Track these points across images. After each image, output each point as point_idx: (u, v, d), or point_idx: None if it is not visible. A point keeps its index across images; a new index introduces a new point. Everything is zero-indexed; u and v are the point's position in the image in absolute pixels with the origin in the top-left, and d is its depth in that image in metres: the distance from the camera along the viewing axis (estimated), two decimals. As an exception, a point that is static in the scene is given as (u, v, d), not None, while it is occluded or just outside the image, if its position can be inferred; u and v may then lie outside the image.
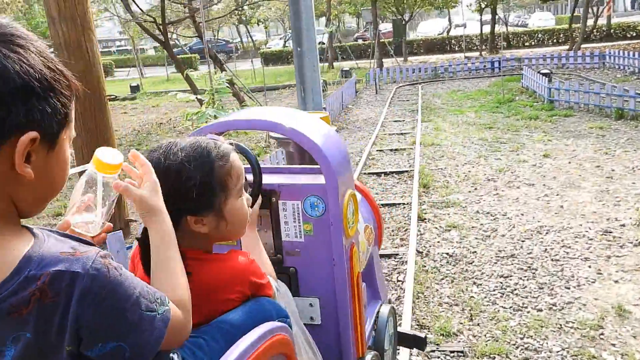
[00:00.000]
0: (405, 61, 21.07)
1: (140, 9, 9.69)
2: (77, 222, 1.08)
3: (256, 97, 11.60)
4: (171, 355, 1.12)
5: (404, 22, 22.34)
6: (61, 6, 3.06)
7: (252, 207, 1.58)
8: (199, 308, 1.29)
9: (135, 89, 17.62)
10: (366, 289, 2.31)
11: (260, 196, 1.73)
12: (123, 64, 29.54)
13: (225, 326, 1.25)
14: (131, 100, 16.08)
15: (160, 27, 9.13)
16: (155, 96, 16.60)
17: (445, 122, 8.90)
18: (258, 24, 30.81)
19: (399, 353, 2.72)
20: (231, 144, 1.39)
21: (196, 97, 5.36)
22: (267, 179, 1.83)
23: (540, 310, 3.14)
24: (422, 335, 2.54)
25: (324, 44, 21.68)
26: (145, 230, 1.19)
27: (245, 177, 1.47)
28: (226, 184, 1.30)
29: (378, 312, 2.28)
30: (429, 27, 36.08)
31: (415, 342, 2.53)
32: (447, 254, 3.95)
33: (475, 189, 5.47)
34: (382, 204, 5.04)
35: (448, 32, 29.82)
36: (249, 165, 1.67)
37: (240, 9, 23.11)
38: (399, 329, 2.56)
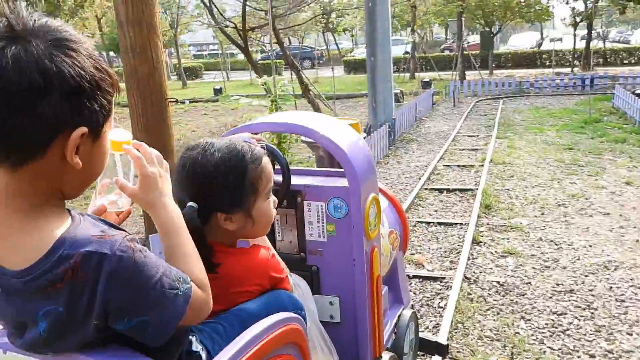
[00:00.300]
0: (491, 74, 20.58)
1: (222, 15, 10.20)
2: (104, 203, 1.25)
3: (331, 105, 11.81)
4: (190, 338, 1.26)
5: (491, 35, 21.86)
6: (129, 11, 3.24)
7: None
8: (220, 297, 1.40)
9: (218, 91, 18.37)
10: (388, 292, 2.38)
11: (286, 199, 1.86)
12: (213, 67, 30.90)
13: (243, 314, 1.37)
14: (214, 102, 16.80)
15: (241, 32, 9.57)
16: (236, 99, 17.36)
17: (522, 140, 8.63)
18: (344, 32, 31.21)
19: (420, 358, 2.73)
20: (263, 147, 1.52)
21: (259, 103, 5.58)
22: (293, 180, 1.97)
23: (594, 356, 2.84)
24: (444, 342, 2.57)
25: (409, 53, 21.61)
26: None
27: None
28: (256, 186, 1.42)
29: (399, 316, 2.35)
30: (521, 40, 34.95)
31: (436, 349, 2.56)
32: (498, 282, 3.73)
33: (543, 213, 5.20)
34: (438, 223, 4.98)
35: (539, 46, 28.73)
36: (278, 167, 1.80)
37: (324, 16, 23.56)
38: (421, 334, 2.60)
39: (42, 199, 1.00)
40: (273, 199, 1.53)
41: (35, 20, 0.96)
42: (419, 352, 2.61)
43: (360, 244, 1.86)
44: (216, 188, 1.37)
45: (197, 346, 1.26)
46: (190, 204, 1.36)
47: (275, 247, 2.00)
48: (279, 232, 2.03)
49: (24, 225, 0.98)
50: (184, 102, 17.10)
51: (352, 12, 23.78)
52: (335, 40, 36.48)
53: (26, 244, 0.97)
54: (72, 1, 11.88)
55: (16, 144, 0.94)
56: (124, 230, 1.09)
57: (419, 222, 5.06)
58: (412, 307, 2.61)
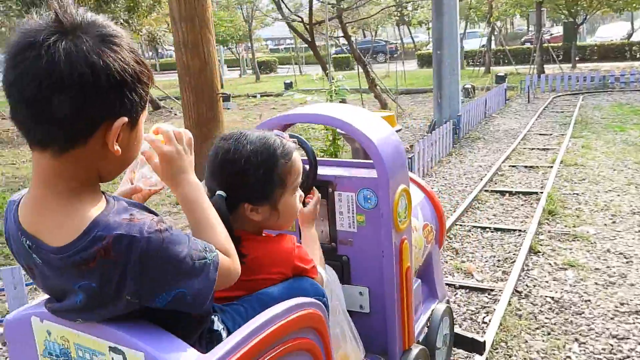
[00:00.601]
0: (574, 68, 19.61)
1: (289, 9, 10.35)
2: (138, 177, 1.38)
3: (396, 99, 11.74)
4: (213, 317, 1.36)
5: (575, 25, 20.79)
6: (181, 7, 3.36)
7: (304, 202, 1.79)
8: (243, 283, 1.49)
9: (288, 85, 18.64)
10: (422, 286, 2.41)
11: (317, 189, 1.93)
12: (287, 62, 31.35)
13: (265, 297, 1.45)
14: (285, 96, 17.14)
15: (307, 26, 9.70)
16: (305, 94, 17.43)
17: (599, 140, 8.20)
18: (420, 25, 30.76)
19: (455, 354, 2.71)
20: (294, 140, 1.58)
21: (312, 98, 5.66)
22: (324, 171, 2.04)
23: (655, 391, 2.57)
24: (481, 339, 2.55)
25: (485, 46, 21.01)
26: None
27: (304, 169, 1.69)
28: (285, 181, 1.50)
29: (433, 310, 2.36)
30: (610, 31, 32.96)
31: (472, 345, 2.55)
32: (553, 298, 3.42)
33: (614, 222, 4.79)
34: (494, 228, 4.76)
35: (630, 37, 26.95)
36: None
37: (397, 9, 23.32)
38: (457, 330, 2.60)
39: (80, 183, 1.11)
40: (299, 194, 1.59)
41: (82, 16, 1.05)
42: (454, 349, 2.61)
43: (388, 235, 1.91)
44: (245, 180, 1.45)
45: (218, 326, 1.36)
46: (219, 192, 1.45)
47: (308, 236, 2.09)
48: (312, 222, 2.11)
49: (62, 206, 1.09)
50: (255, 96, 17.50)
51: (428, 4, 23.41)
52: (410, 33, 36.05)
53: (64, 223, 1.08)
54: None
55: (63, 132, 1.03)
56: (153, 212, 1.20)
57: (474, 226, 4.84)
58: (448, 302, 2.61)
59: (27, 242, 1.13)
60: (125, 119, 1.08)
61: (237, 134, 1.51)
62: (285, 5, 10.17)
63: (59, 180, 1.09)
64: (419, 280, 2.36)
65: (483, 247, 4.43)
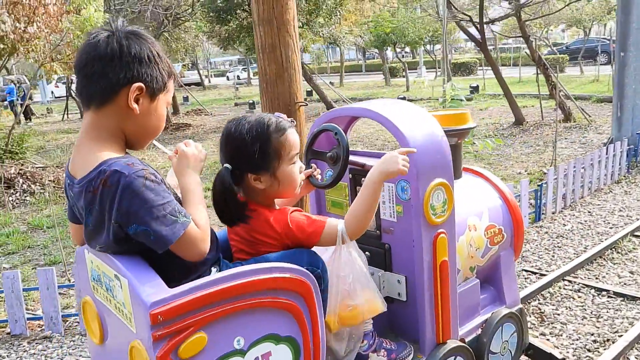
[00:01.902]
0: None
1: (455, 7, 10.08)
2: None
3: (600, 108, 10.76)
4: (212, 269, 1.67)
5: None
6: (260, 8, 3.33)
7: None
8: (247, 242, 1.81)
9: (474, 89, 17.82)
10: (484, 288, 2.38)
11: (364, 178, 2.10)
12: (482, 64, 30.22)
13: (262, 260, 1.70)
14: (467, 101, 16.50)
15: (477, 26, 9.41)
16: (492, 98, 16.59)
17: None
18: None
19: None
20: (292, 121, 1.83)
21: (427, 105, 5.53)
22: (370, 161, 2.18)
23: None
24: (559, 357, 2.41)
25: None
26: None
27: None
28: (279, 152, 1.75)
29: (492, 314, 2.33)
30: None
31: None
32: None
33: None
34: (616, 293, 3.66)
35: None
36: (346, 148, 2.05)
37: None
38: (536, 342, 2.49)
39: (109, 134, 1.54)
40: (299, 165, 1.82)
41: (122, 24, 1.56)
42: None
43: (418, 228, 1.98)
44: (244, 153, 1.73)
45: (215, 275, 1.64)
46: (225, 165, 1.75)
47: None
48: (361, 209, 2.26)
49: (90, 149, 1.52)
50: (437, 100, 17.17)
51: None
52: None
53: (87, 161, 1.49)
54: (332, 1, 13.33)
55: (100, 89, 1.49)
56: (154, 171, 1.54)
57: (586, 285, 3.76)
58: (521, 311, 2.51)
59: (68, 181, 1.57)
60: (141, 85, 1.51)
61: (240, 117, 1.81)
62: (451, 3, 9.98)
63: (94, 129, 1.54)
64: (477, 281, 2.34)
65: (584, 317, 3.36)
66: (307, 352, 1.65)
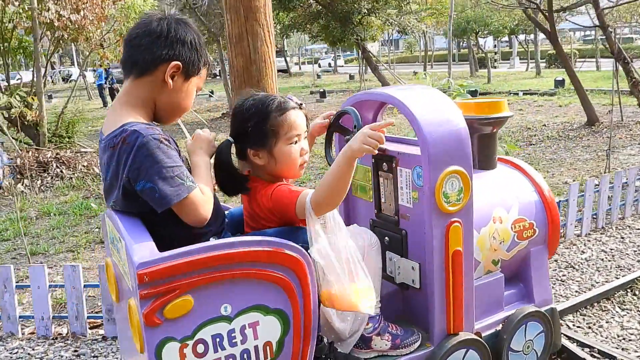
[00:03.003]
0: None
1: None
2: None
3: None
4: (212, 238, 1.79)
5: None
6: None
7: None
8: (250, 216, 1.92)
9: (560, 83, 16.28)
10: (509, 284, 2.32)
11: (384, 163, 2.14)
12: (588, 54, 28.04)
13: (259, 234, 1.81)
14: (550, 96, 15.14)
15: (546, 14, 8.69)
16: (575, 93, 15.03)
17: None
18: None
19: None
20: (299, 104, 1.90)
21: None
22: (390, 147, 2.20)
23: None
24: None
25: None
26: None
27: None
28: (277, 131, 1.82)
29: (516, 310, 2.26)
30: None
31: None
32: None
33: None
34: (602, 352, 2.61)
35: None
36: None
37: None
38: (568, 344, 2.38)
39: (140, 103, 1.72)
40: (300, 146, 1.87)
41: (173, 13, 1.78)
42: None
43: (430, 215, 1.98)
44: (246, 128, 1.83)
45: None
46: (228, 138, 1.86)
47: (380, 210, 2.29)
48: (383, 195, 2.28)
49: (120, 111, 1.71)
50: (517, 94, 15.92)
51: None
52: None
53: (116, 122, 1.68)
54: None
55: (142, 61, 1.69)
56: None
57: (567, 337, 2.69)
58: (552, 311, 2.40)
59: (99, 139, 1.76)
60: (179, 63, 1.70)
61: (249, 94, 1.90)
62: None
63: (128, 96, 1.73)
64: (501, 275, 2.28)
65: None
66: (297, 326, 1.72)
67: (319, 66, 39.99)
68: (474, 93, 8.26)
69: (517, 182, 2.41)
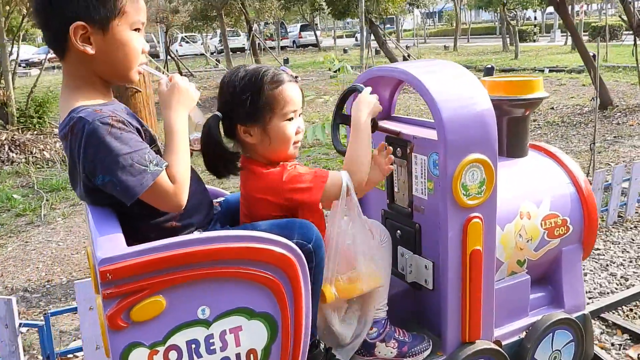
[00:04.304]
0: None
1: None
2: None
3: None
4: (195, 232, 1.59)
5: None
6: None
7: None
8: (246, 208, 1.72)
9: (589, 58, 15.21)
10: (537, 287, 2.09)
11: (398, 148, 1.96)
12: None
13: (250, 228, 1.59)
14: (577, 73, 13.53)
15: None
16: (609, 71, 13.58)
17: None
18: None
19: None
20: (294, 76, 1.69)
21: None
22: (404, 129, 1.97)
23: None
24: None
25: None
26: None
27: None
28: (272, 106, 1.61)
29: (542, 317, 2.03)
30: None
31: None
32: None
33: None
34: None
35: None
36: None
37: None
38: (601, 353, 2.14)
39: (81, 82, 1.48)
40: (297, 124, 1.67)
41: None
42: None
43: (445, 209, 1.75)
44: (235, 101, 1.63)
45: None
46: (215, 112, 1.66)
47: (393, 200, 2.08)
48: (396, 184, 2.06)
49: (67, 96, 1.48)
50: (542, 71, 14.56)
51: None
52: None
53: (64, 109, 1.46)
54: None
55: (52, 43, 1.45)
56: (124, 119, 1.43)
57: None
58: (585, 317, 2.16)
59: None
60: (81, 23, 1.38)
61: (242, 65, 1.69)
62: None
63: (68, 78, 1.50)
64: (527, 277, 2.04)
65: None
66: (286, 331, 1.53)
67: (356, 39, 39.14)
68: (489, 70, 7.66)
69: (550, 173, 2.16)
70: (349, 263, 1.70)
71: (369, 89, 1.81)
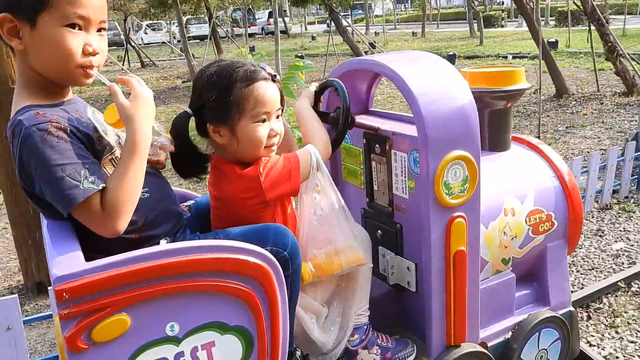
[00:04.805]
0: None
1: None
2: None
3: None
4: (162, 241, 1.48)
5: None
6: None
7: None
8: (225, 214, 1.62)
9: (553, 45, 13.90)
10: (521, 285, 2.04)
11: (377, 145, 1.89)
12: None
13: (221, 234, 1.52)
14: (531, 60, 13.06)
15: None
16: (571, 57, 13.22)
17: None
18: None
19: None
20: (272, 75, 1.58)
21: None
22: (383, 124, 1.88)
23: None
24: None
25: None
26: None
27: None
28: (241, 105, 1.51)
29: (528, 316, 1.97)
30: None
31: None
32: None
33: None
34: None
35: None
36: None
37: None
38: (587, 349, 2.10)
39: (27, 79, 1.36)
40: (270, 127, 1.56)
41: None
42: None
43: (427, 209, 1.67)
44: (204, 99, 1.53)
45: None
46: (186, 109, 1.57)
47: (373, 198, 1.99)
48: (375, 182, 1.98)
49: (16, 95, 1.37)
50: (505, 57, 13.74)
51: None
52: None
53: (14, 107, 1.35)
54: None
55: None
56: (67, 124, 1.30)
57: None
58: (571, 315, 2.11)
59: None
60: (5, 15, 1.26)
61: (219, 60, 1.59)
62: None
63: (17, 74, 1.41)
64: (512, 275, 1.98)
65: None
66: (262, 345, 1.44)
67: (328, 26, 38.70)
68: (451, 58, 7.46)
69: (534, 166, 2.09)
70: (326, 238, 1.63)
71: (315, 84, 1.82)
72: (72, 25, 1.30)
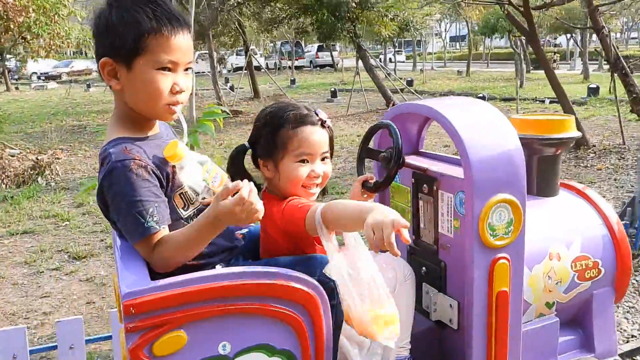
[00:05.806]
0: None
1: None
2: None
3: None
4: (217, 265, 1.61)
5: None
6: None
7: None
8: (269, 244, 1.73)
9: (593, 91, 13.83)
10: (566, 330, 2.03)
11: (425, 185, 1.97)
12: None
13: (272, 262, 1.61)
14: (578, 105, 12.02)
15: (523, 11, 6.83)
16: (612, 105, 12.60)
17: None
18: None
19: None
20: (322, 120, 1.69)
21: None
22: (432, 166, 1.95)
23: None
24: None
25: None
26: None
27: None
28: (286, 145, 1.64)
29: (571, 364, 1.97)
30: None
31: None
32: None
33: None
34: None
35: None
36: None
37: None
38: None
39: (121, 113, 1.55)
40: (311, 168, 1.66)
41: None
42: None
43: (471, 249, 1.72)
44: (258, 135, 1.71)
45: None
46: (243, 143, 1.75)
47: (419, 236, 2.06)
48: (422, 220, 2.04)
49: (112, 125, 1.55)
50: (543, 102, 13.34)
51: None
52: None
53: (108, 137, 1.53)
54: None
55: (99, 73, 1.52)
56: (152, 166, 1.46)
57: None
58: (617, 364, 2.08)
59: None
60: (107, 59, 1.45)
61: (278, 101, 1.79)
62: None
63: (115, 107, 1.57)
64: (556, 320, 1.99)
65: None
66: (307, 370, 1.52)
67: (380, 60, 38.65)
68: (481, 100, 7.24)
69: (581, 213, 2.11)
70: (361, 301, 1.66)
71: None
72: (164, 68, 1.46)
